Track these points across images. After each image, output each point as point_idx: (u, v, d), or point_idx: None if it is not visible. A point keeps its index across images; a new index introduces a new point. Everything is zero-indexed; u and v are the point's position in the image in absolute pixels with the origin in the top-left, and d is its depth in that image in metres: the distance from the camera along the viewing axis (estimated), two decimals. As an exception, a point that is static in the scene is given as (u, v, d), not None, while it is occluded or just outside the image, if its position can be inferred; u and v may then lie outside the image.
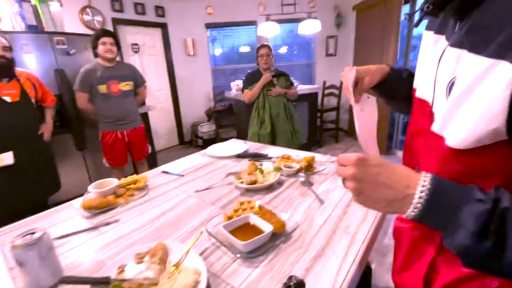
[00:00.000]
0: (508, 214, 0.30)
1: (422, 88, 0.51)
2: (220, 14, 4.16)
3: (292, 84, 2.42)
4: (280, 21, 3.45)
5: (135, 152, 2.32)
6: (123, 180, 1.01)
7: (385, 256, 1.65)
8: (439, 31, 0.47)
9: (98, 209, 0.85)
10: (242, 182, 0.95)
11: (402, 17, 3.11)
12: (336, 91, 4.02)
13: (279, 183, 0.99)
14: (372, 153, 0.42)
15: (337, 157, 0.43)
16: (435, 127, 0.42)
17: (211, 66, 4.46)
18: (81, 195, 0.94)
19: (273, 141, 2.33)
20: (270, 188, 0.95)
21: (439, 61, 0.44)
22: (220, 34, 4.44)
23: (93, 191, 0.91)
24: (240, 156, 1.29)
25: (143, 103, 2.74)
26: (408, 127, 0.56)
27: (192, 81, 4.41)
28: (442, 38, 0.45)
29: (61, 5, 2.77)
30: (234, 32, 4.44)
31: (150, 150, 2.54)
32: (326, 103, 4.22)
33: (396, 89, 0.63)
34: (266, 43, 2.34)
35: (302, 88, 3.64)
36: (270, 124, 2.27)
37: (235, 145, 1.46)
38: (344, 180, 0.41)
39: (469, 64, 0.35)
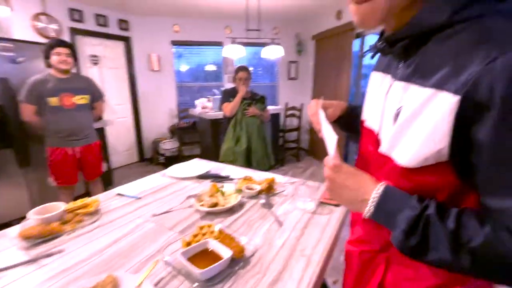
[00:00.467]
0: (431, 219, 0.38)
1: (370, 119, 0.57)
2: (187, 32, 4.20)
3: (266, 107, 2.47)
4: (245, 44, 3.58)
5: (87, 170, 2.15)
6: (72, 204, 0.93)
7: (342, 273, 1.70)
8: (385, 71, 0.54)
9: (39, 238, 0.77)
10: (203, 205, 0.94)
11: (356, 48, 3.45)
12: (297, 113, 4.22)
13: (240, 205, 1.00)
14: (338, 158, 0.52)
15: (324, 160, 0.53)
16: (383, 149, 0.48)
17: (176, 83, 4.41)
18: (20, 218, 0.84)
19: (246, 159, 2.32)
20: (231, 210, 0.95)
21: (386, 95, 0.51)
22: (186, 50, 4.44)
23: (34, 217, 0.82)
24: (202, 177, 1.28)
25: (100, 118, 2.59)
26: (357, 154, 0.63)
27: (155, 96, 4.30)
28: (388, 77, 0.52)
29: (11, 9, 2.57)
30: (200, 50, 4.49)
31: (105, 169, 2.38)
32: (288, 123, 4.40)
33: (353, 123, 0.72)
34: (244, 65, 2.39)
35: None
36: (246, 142, 2.28)
37: (197, 165, 1.44)
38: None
39: (414, 94, 0.41)
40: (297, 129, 4.23)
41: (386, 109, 0.49)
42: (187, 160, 4.31)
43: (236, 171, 1.38)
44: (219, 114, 3.31)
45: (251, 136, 2.31)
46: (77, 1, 3.27)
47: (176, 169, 1.38)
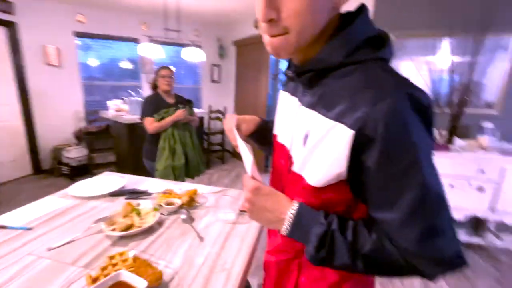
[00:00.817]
0: (335, 234, 0.46)
1: (282, 135, 0.63)
2: (94, 24, 3.70)
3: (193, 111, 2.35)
4: (164, 43, 3.40)
5: None
6: None
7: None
8: (293, 93, 0.60)
9: None
10: (114, 229, 0.85)
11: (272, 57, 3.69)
12: (221, 116, 4.26)
13: (159, 223, 0.95)
14: (257, 176, 0.55)
15: (243, 179, 0.56)
16: (295, 168, 0.54)
17: (82, 81, 3.83)
18: None
19: (187, 172, 2.17)
20: (148, 231, 0.90)
21: (295, 116, 0.57)
22: (96, 43, 3.90)
23: None
24: (115, 194, 1.15)
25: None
26: (272, 165, 0.69)
27: (54, 96, 3.63)
28: (295, 99, 0.58)
29: None
30: (114, 43, 4.01)
31: None
32: (213, 126, 4.39)
33: (267, 137, 0.78)
34: (167, 65, 2.21)
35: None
36: (183, 154, 2.10)
37: (109, 180, 1.29)
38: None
39: (319, 123, 0.48)
40: (221, 132, 4.26)
41: (295, 130, 0.56)
42: (100, 169, 3.87)
43: (155, 184, 1.30)
44: (136, 118, 3.05)
45: (186, 147, 2.14)
46: None
47: (82, 186, 1.20)
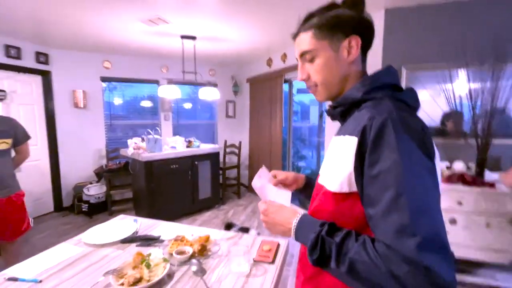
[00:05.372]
0: (324, 237, 0.52)
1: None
2: (119, 69, 4.01)
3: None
4: (182, 83, 3.59)
5: (4, 229, 1.75)
6: None
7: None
8: (337, 134, 0.69)
9: None
10: (123, 284, 0.82)
11: (286, 89, 3.76)
12: (236, 150, 4.28)
13: (169, 276, 0.90)
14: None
15: (258, 205, 0.73)
16: (319, 180, 0.65)
17: (105, 121, 4.05)
18: None
19: None
20: (157, 285, 0.85)
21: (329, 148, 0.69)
22: (120, 84, 4.18)
23: None
24: (126, 241, 1.13)
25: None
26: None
27: (80, 136, 3.85)
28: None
29: None
30: (136, 84, 4.28)
31: (31, 224, 1.96)
32: (228, 160, 4.41)
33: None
34: None
35: (204, 147, 3.71)
36: None
37: (122, 225, 1.28)
38: None
39: (337, 141, 0.60)
40: (237, 166, 4.26)
41: (326, 156, 0.68)
42: (118, 206, 3.89)
43: (168, 229, 1.27)
44: (154, 156, 3.13)
45: None
46: (-20, 31, 2.85)
47: (95, 232, 1.20)
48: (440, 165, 2.12)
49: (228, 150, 4.42)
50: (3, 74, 3.14)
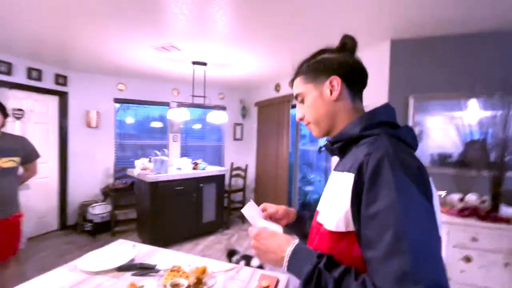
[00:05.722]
0: (322, 270, 0.50)
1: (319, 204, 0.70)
2: (132, 91, 4.16)
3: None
4: (192, 106, 3.68)
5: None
6: None
7: None
8: (335, 169, 0.70)
9: None
10: (112, 318, 0.78)
11: (294, 113, 3.80)
12: (242, 173, 4.26)
13: (161, 311, 0.86)
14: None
15: (248, 231, 0.69)
16: (318, 218, 0.64)
17: (116, 140, 4.15)
18: None
19: None
20: (148, 320, 0.81)
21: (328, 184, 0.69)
22: (132, 105, 4.32)
23: None
24: (122, 269, 1.10)
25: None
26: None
27: (90, 154, 3.93)
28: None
29: None
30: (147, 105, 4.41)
31: (23, 245, 1.96)
32: (234, 183, 4.38)
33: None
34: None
35: (210, 169, 3.71)
36: None
37: (121, 250, 1.25)
38: None
39: (336, 178, 0.61)
40: (242, 189, 4.21)
41: (324, 193, 0.68)
42: (121, 226, 3.86)
43: (165, 257, 1.24)
44: (159, 177, 3.13)
45: None
46: (7, 53, 3.04)
47: (91, 258, 1.17)
48: (442, 200, 2.05)
49: (234, 172, 4.40)
50: (23, 94, 3.30)
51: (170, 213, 3.24)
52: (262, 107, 4.48)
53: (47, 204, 3.62)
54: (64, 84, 3.70)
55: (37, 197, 3.46)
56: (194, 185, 3.47)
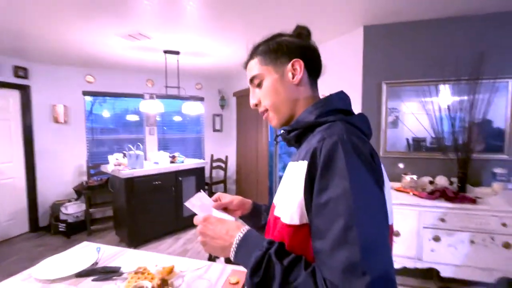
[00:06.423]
0: (271, 256, 0.47)
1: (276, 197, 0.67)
2: (103, 83, 3.94)
3: None
4: (166, 97, 3.53)
5: None
6: None
7: None
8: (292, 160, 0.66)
9: None
10: (63, 331, 0.73)
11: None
12: (223, 164, 4.21)
13: (121, 317, 0.81)
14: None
15: (194, 220, 0.63)
16: (276, 212, 0.59)
17: (88, 136, 3.94)
18: None
19: None
20: (105, 329, 0.76)
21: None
22: (105, 98, 4.10)
23: None
24: (82, 274, 1.04)
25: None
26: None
27: (59, 152, 3.72)
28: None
29: None
30: (123, 98, 4.21)
31: None
32: (215, 175, 4.33)
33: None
34: None
35: (189, 162, 3.63)
36: None
37: (83, 254, 1.18)
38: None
39: (291, 168, 0.57)
40: (223, 181, 4.17)
41: (281, 184, 0.64)
42: (98, 225, 3.73)
43: (132, 258, 1.18)
44: (134, 172, 3.02)
45: None
46: (-46, 45, 2.76)
47: (50, 264, 1.09)
48: (414, 183, 2.11)
49: (214, 164, 4.34)
50: (-22, 89, 3.03)
51: (148, 209, 3.15)
52: (241, 97, 4.40)
53: (15, 206, 3.41)
54: (25, 77, 3.43)
55: (4, 198, 3.25)
56: (172, 179, 3.38)
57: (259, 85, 0.66)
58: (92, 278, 1.02)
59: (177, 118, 4.62)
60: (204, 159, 4.27)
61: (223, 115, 4.84)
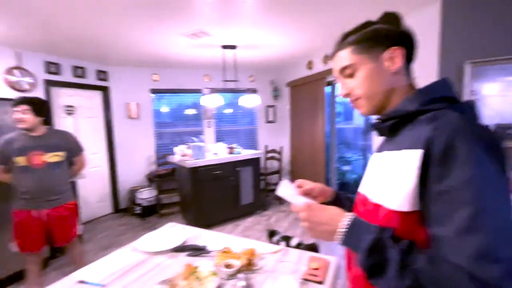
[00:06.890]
0: (386, 241, 0.49)
1: (362, 186, 0.69)
2: (166, 81, 4.29)
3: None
4: (224, 91, 3.70)
5: (57, 235, 1.92)
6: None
7: None
8: (379, 150, 0.67)
9: None
10: (175, 295, 0.85)
11: (328, 90, 3.63)
12: (277, 155, 4.26)
13: (218, 289, 0.92)
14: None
15: (292, 209, 0.67)
16: (373, 199, 0.60)
17: (154, 129, 4.38)
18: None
19: None
20: (207, 298, 0.87)
21: (373, 165, 0.67)
22: (166, 94, 4.48)
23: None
24: (177, 250, 1.19)
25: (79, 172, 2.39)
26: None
27: (133, 144, 4.21)
28: (379, 154, 0.67)
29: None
30: (180, 94, 4.55)
31: (80, 231, 2.19)
32: (269, 166, 4.41)
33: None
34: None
35: (246, 153, 3.77)
36: None
37: (172, 233, 1.34)
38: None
39: (383, 157, 0.61)
40: (278, 171, 4.23)
41: (371, 175, 0.66)
42: (166, 209, 4.11)
43: (213, 239, 1.30)
44: (198, 162, 3.26)
45: None
46: (55, 55, 3.29)
47: (148, 240, 1.27)
48: None
49: (268, 155, 4.43)
50: (72, 91, 3.58)
51: (210, 196, 3.39)
52: (295, 87, 4.35)
53: (102, 190, 4.00)
54: (105, 79, 3.93)
55: (93, 184, 3.83)
56: (231, 169, 3.56)
57: (351, 75, 0.64)
58: (185, 253, 1.16)
59: (228, 111, 4.80)
60: (258, 150, 4.38)
61: (276, 106, 4.87)
